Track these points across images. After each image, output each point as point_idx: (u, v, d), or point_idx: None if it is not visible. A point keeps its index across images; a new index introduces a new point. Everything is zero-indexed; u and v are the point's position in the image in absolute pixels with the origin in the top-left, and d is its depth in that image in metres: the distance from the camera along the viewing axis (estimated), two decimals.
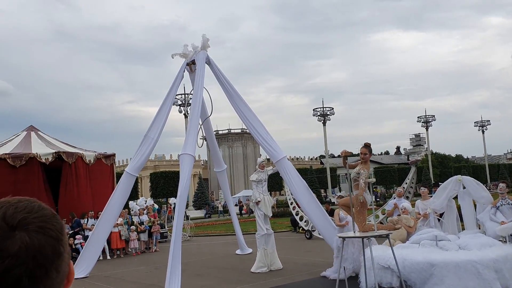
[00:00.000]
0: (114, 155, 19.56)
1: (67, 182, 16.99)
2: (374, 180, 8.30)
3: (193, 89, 12.58)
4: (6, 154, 16.17)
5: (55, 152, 16.74)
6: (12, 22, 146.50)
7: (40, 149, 17.07)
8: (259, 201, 11.86)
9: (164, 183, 50.68)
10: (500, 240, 8.90)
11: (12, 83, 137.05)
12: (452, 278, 7.46)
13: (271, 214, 12.22)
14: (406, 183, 17.87)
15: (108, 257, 15.98)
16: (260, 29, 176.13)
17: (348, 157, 8.33)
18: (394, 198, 12.63)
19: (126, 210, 17.61)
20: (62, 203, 16.93)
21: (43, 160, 16.39)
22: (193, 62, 12.51)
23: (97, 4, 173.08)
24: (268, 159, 16.37)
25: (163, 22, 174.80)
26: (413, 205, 11.56)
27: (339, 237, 8.55)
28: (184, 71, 12.62)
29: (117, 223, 15.70)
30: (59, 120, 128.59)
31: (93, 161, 18.06)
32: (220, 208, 44.00)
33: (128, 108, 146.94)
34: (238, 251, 14.80)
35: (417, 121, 68.14)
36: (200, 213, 42.81)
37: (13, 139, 18.50)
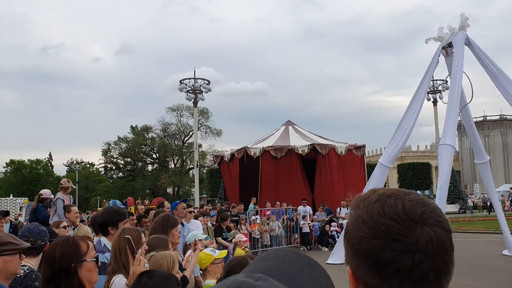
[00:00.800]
0: (364, 146, 19.86)
1: (321, 172, 18.08)
2: None
3: (449, 74, 11.68)
4: (269, 146, 18.23)
5: (310, 144, 17.99)
6: (266, 26, 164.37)
7: (297, 141, 18.62)
8: None
9: (412, 174, 49.08)
10: None
11: (269, 83, 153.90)
12: None
13: None
14: None
15: None
16: None
17: None
18: None
19: None
20: (318, 192, 18.13)
21: (300, 152, 17.82)
22: (449, 45, 11.61)
23: (342, 0, 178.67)
24: None
25: (408, 7, 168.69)
26: None
27: None
28: (439, 56, 11.83)
29: None
30: (309, 114, 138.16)
31: (345, 152, 18.71)
32: (470, 204, 40.05)
33: (372, 99, 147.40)
34: (505, 252, 13.13)
35: None
36: (453, 208, 39.81)
37: (274, 133, 20.73)
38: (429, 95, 41.44)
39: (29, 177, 65.53)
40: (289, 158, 17.93)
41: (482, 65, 11.16)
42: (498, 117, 69.06)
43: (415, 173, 48.81)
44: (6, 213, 7.71)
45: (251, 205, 16.99)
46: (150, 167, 68.38)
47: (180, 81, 31.86)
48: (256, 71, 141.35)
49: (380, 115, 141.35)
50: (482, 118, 69.71)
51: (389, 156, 12.17)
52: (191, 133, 59.87)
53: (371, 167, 18.79)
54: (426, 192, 51.54)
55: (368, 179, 14.03)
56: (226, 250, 4.77)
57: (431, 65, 11.81)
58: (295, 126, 20.94)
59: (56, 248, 2.51)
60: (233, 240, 8.33)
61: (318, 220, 17.20)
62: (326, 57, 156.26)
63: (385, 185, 43.31)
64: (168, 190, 63.76)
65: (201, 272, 4.92)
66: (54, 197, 8.98)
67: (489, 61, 11.01)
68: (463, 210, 38.56)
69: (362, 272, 0.87)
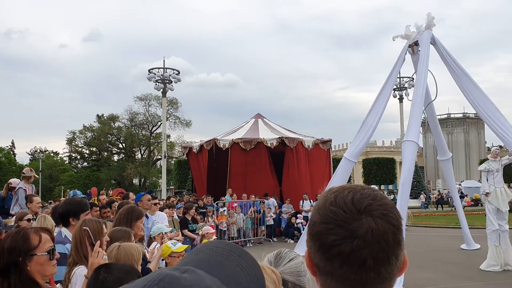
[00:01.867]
0: (330, 140, 20.16)
1: (289, 165, 18.26)
2: None
3: (415, 72, 11.94)
4: (239, 138, 18.27)
5: (279, 137, 18.13)
6: (239, 19, 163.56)
7: (266, 134, 18.72)
8: (488, 193, 10.67)
9: (376, 169, 50.08)
10: None
11: (240, 75, 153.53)
12: None
13: (507, 209, 10.70)
14: None
15: None
16: (486, 1, 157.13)
17: None
18: None
19: None
20: (285, 184, 18.32)
21: (269, 145, 17.94)
22: (415, 44, 11.85)
23: None
24: (501, 147, 14.51)
25: (378, 5, 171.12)
26: None
27: None
28: (405, 54, 12.07)
29: None
30: (279, 107, 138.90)
31: (312, 146, 18.95)
32: (433, 199, 41.20)
33: (340, 95, 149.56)
34: (463, 246, 13.63)
35: None
36: (416, 203, 40.90)
37: (243, 125, 20.76)
38: (395, 92, 42.36)
39: None
40: (258, 150, 18.02)
41: (445, 64, 11.45)
42: (461, 115, 71.15)
43: (380, 168, 49.83)
44: None
45: (228, 197, 16.99)
46: (116, 157, 67.30)
47: (149, 70, 31.44)
48: (227, 63, 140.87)
49: (348, 110, 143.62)
50: (446, 116, 71.65)
51: (354, 151, 12.36)
52: (159, 123, 59.16)
53: (337, 161, 19.03)
54: (390, 186, 52.75)
55: (333, 173, 14.23)
56: (186, 245, 4.72)
57: (398, 63, 12.04)
58: (264, 119, 21.03)
59: (6, 241, 2.46)
60: (200, 232, 8.33)
61: (286, 213, 17.39)
62: (297, 51, 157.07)
63: (349, 179, 44.13)
64: (134, 181, 62.93)
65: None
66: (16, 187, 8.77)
67: (452, 61, 11.30)
68: (426, 205, 39.63)
69: (314, 254, 0.94)
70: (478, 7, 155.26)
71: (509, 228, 10.84)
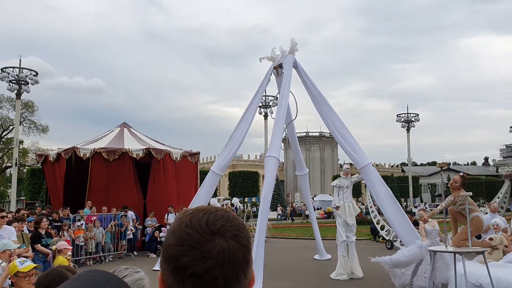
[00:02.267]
0: (198, 153, 20.26)
1: (155, 177, 17.88)
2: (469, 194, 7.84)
3: (279, 93, 12.70)
4: (101, 148, 17.36)
5: (146, 148, 17.68)
6: (107, 23, 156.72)
7: (132, 144, 18.12)
8: (337, 207, 11.73)
9: (242, 182, 51.64)
10: None
11: (106, 81, 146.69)
12: None
13: (352, 222, 11.73)
14: (499, 198, 16.73)
15: None
16: (344, 32, 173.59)
17: (443, 168, 7.99)
18: (487, 213, 11.88)
19: None
20: (150, 197, 17.87)
21: (134, 156, 17.39)
22: (280, 66, 12.63)
23: (187, 7, 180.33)
24: (351, 164, 16.04)
25: (248, 25, 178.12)
26: (507, 221, 10.79)
27: (431, 251, 8.21)
28: (271, 74, 12.79)
29: None
30: (147, 117, 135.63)
31: (180, 158, 18.84)
32: (288, 211, 43.61)
33: (210, 108, 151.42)
34: (316, 256, 14.70)
35: (510, 131, 63.49)
36: (274, 215, 42.93)
37: (107, 134, 19.81)
38: (261, 109, 44.33)
39: None
40: (122, 161, 17.35)
41: (305, 87, 12.39)
42: (318, 134, 76.92)
43: (245, 181, 51.51)
44: None
45: (87, 209, 15.97)
46: None
47: (1, 69, 28.49)
48: (92, 67, 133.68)
49: (217, 124, 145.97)
50: (305, 134, 76.96)
51: (220, 164, 12.65)
52: (11, 127, 53.54)
53: (204, 174, 19.27)
54: (254, 199, 54.71)
55: (200, 186, 14.35)
56: (33, 264, 4.30)
57: (263, 82, 12.71)
58: (130, 129, 20.35)
59: None
60: (54, 247, 7.73)
61: (150, 226, 16.96)
62: (168, 62, 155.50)
63: (216, 192, 44.71)
64: None
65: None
66: None
67: (311, 84, 12.28)
68: (285, 217, 41.85)
69: (167, 276, 0.95)
70: (335, 36, 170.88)
71: (356, 240, 12.01)
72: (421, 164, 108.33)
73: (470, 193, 7.69)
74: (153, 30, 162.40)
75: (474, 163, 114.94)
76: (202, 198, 12.83)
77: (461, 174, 8.07)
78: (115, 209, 15.97)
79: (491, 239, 8.33)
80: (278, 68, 12.74)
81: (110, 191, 17.04)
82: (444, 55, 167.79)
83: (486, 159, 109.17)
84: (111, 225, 15.43)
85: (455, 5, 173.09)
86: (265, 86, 12.88)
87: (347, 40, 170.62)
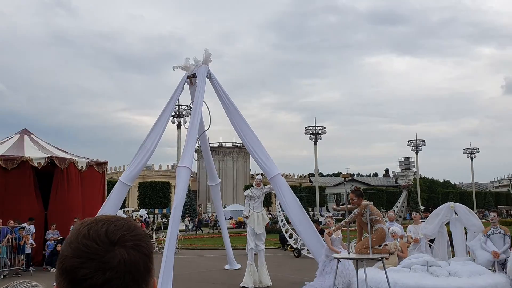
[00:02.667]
0: (106, 162, 19.48)
1: (58, 187, 16.85)
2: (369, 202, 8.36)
3: (192, 102, 12.65)
4: None
5: (48, 157, 16.62)
6: (9, 23, 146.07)
7: (33, 153, 16.94)
8: (247, 216, 11.91)
9: (152, 193, 50.40)
10: (489, 269, 9.00)
11: (5, 84, 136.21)
12: None
13: (260, 231, 11.83)
14: (397, 207, 18.00)
15: None
16: (257, 46, 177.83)
17: (347, 179, 8.44)
18: (386, 221, 12.71)
19: None
20: (52, 209, 16.79)
21: (35, 164, 16.27)
22: (193, 76, 12.60)
23: (97, 12, 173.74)
24: (262, 174, 16.37)
25: (162, 33, 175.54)
26: (404, 229, 11.67)
27: (335, 258, 8.61)
28: (184, 84, 12.70)
29: None
30: (51, 123, 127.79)
31: (85, 167, 17.96)
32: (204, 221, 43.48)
33: (120, 116, 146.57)
34: (226, 266, 14.74)
35: (407, 145, 68.78)
36: (183, 226, 42.40)
37: (6, 141, 18.35)
38: (174, 118, 43.81)
39: None
40: (22, 170, 16.14)
41: (219, 97, 12.46)
42: (231, 145, 77.62)
43: (156, 192, 50.35)
44: None
45: None
46: None
47: None
48: None
49: (127, 132, 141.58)
50: (218, 144, 77.30)
51: (129, 174, 12.26)
52: None
53: (112, 184, 18.54)
54: (164, 210, 53.61)
55: (107, 197, 13.77)
56: None
57: (176, 91, 12.58)
58: (32, 136, 19.03)
59: None
60: None
61: (52, 239, 15.93)
62: (76, 66, 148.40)
63: (124, 203, 43.22)
64: None
65: None
66: None
67: (225, 95, 12.38)
68: (196, 228, 41.48)
69: None
70: (249, 49, 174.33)
71: (265, 248, 12.23)
72: (328, 175, 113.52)
73: (371, 202, 8.20)
74: (60, 33, 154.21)
75: (376, 174, 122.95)
76: (109, 209, 12.30)
77: (352, 188, 8.49)
78: (12, 222, 14.81)
79: (386, 245, 8.94)
80: (192, 78, 12.70)
81: (7, 202, 15.76)
82: (349, 72, 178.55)
83: (387, 170, 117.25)
84: (7, 239, 14.27)
85: (359, 26, 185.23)
86: (178, 95, 12.75)
87: (260, 53, 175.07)
